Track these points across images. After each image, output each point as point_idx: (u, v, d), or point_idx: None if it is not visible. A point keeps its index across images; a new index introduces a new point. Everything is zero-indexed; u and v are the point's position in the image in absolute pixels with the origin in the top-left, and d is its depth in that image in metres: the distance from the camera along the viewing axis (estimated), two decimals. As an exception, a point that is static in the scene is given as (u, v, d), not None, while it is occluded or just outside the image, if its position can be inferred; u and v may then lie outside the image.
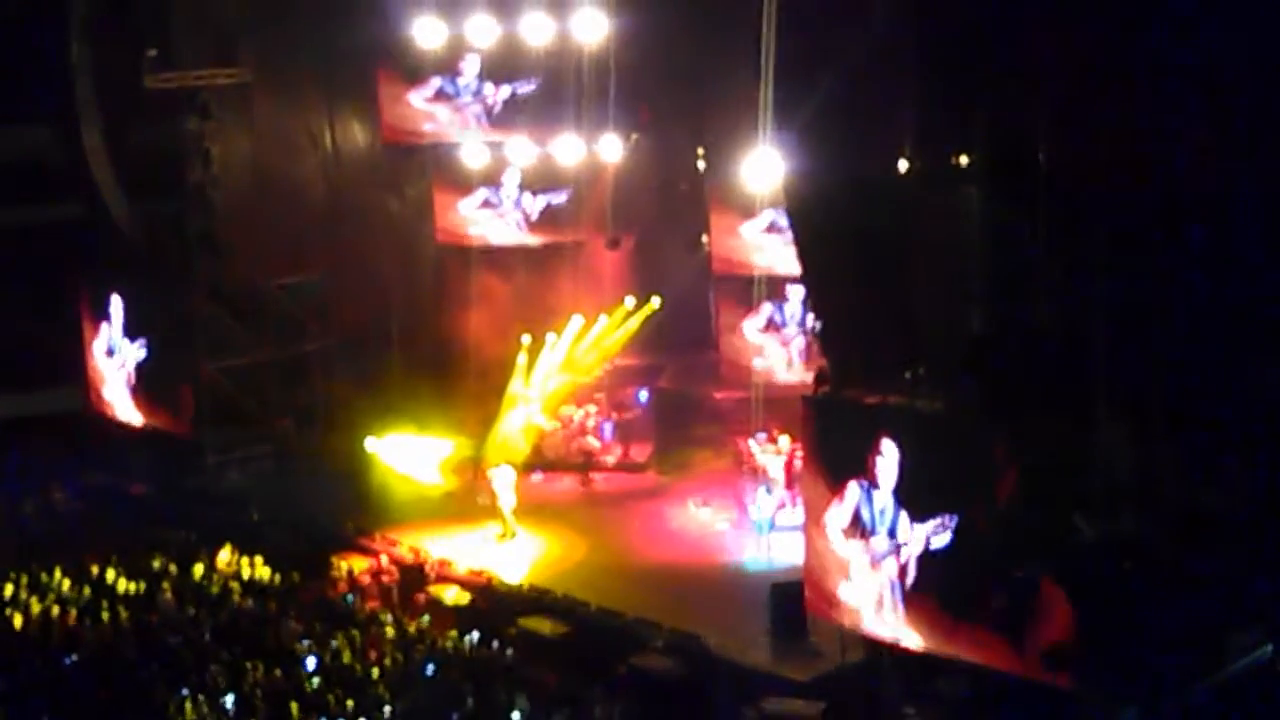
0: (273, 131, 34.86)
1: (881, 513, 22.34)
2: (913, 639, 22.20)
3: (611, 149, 32.65)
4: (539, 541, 29.61)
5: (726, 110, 29.70)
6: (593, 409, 33.53)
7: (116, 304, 35.00)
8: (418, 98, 33.53)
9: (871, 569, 22.52)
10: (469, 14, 32.59)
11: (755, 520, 28.72)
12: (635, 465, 33.15)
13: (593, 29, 31.77)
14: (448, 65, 33.27)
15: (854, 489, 22.60)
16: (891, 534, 22.25)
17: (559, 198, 33.53)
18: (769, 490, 28.84)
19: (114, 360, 35.27)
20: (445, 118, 33.66)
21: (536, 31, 32.33)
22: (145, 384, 34.77)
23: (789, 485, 29.03)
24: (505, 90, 33.09)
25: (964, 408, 22.03)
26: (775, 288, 31.76)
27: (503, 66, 32.96)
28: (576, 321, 32.78)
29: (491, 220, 34.00)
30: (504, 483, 30.00)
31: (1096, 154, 21.14)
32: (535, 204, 33.72)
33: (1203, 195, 20.93)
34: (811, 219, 25.07)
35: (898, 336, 23.52)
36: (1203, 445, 21.09)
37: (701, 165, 33.40)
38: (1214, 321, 20.97)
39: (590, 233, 33.78)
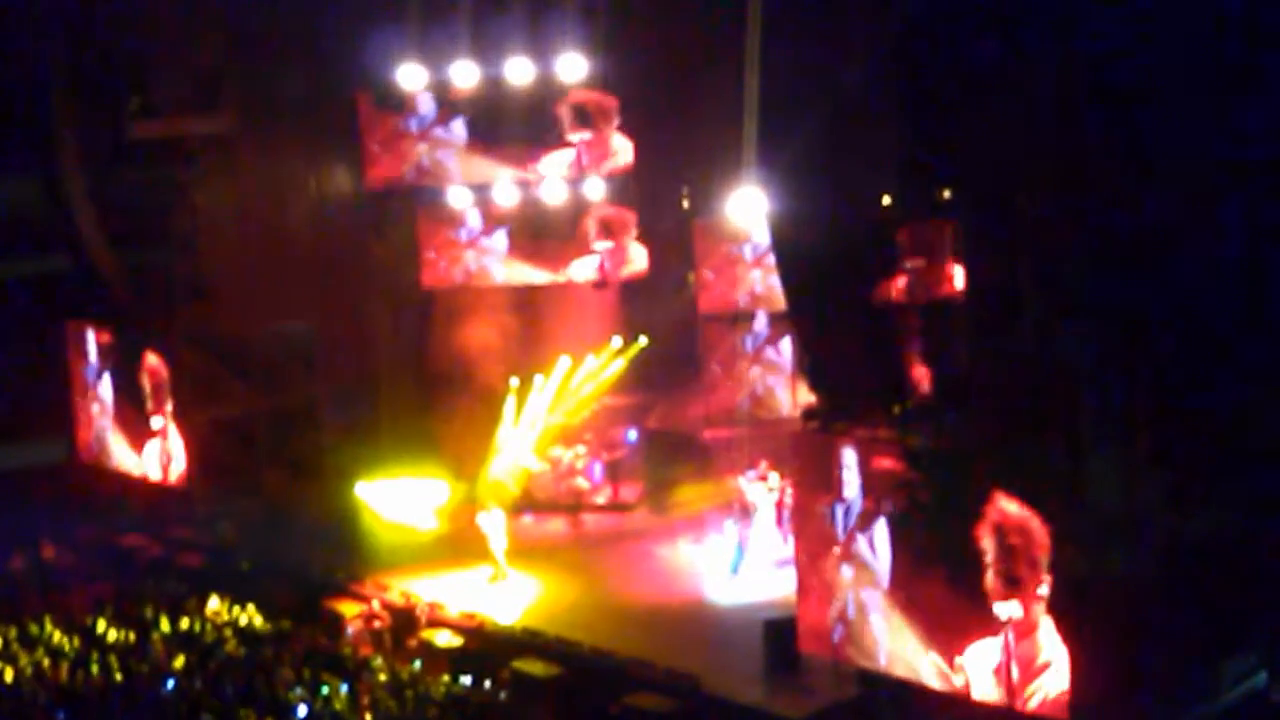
0: (257, 179, 34.88)
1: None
2: (907, 669, 22.22)
3: (596, 189, 32.76)
4: (531, 583, 29.57)
5: (710, 149, 29.80)
6: (582, 449, 33.53)
7: (103, 353, 34.93)
8: (401, 141, 33.57)
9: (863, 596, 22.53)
10: (451, 58, 32.70)
11: (726, 556, 28.71)
12: (625, 505, 33.15)
13: (574, 71, 31.93)
14: (431, 108, 33.35)
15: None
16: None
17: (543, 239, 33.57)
18: (736, 524, 28.84)
19: (102, 410, 35.20)
20: (428, 161, 33.71)
21: (519, 74, 32.45)
22: (133, 434, 34.70)
23: (779, 522, 29.05)
24: (488, 131, 33.16)
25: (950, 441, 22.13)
26: (763, 324, 31.86)
27: (486, 109, 33.07)
28: (564, 362, 32.80)
29: (477, 262, 34.00)
30: (494, 525, 29.98)
31: (1078, 187, 21.26)
32: (519, 245, 33.72)
33: (1187, 227, 21.02)
34: (796, 255, 25.18)
35: (884, 371, 23.60)
36: (1191, 474, 21.12)
37: (685, 204, 33.49)
38: (1200, 351, 21.04)
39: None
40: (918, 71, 22.39)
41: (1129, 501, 20.99)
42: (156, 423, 34.32)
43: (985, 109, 21.65)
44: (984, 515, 21.01)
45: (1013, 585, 20.93)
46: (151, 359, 34.36)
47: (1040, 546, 20.66)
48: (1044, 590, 20.66)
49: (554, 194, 32.81)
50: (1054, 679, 20.77)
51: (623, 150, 32.48)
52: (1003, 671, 21.20)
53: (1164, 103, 20.35)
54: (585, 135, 32.51)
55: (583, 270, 33.11)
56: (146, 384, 34.51)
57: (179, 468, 33.87)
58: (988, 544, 21.08)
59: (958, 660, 21.66)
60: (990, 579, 21.08)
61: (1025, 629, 20.98)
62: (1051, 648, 20.78)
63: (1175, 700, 21.09)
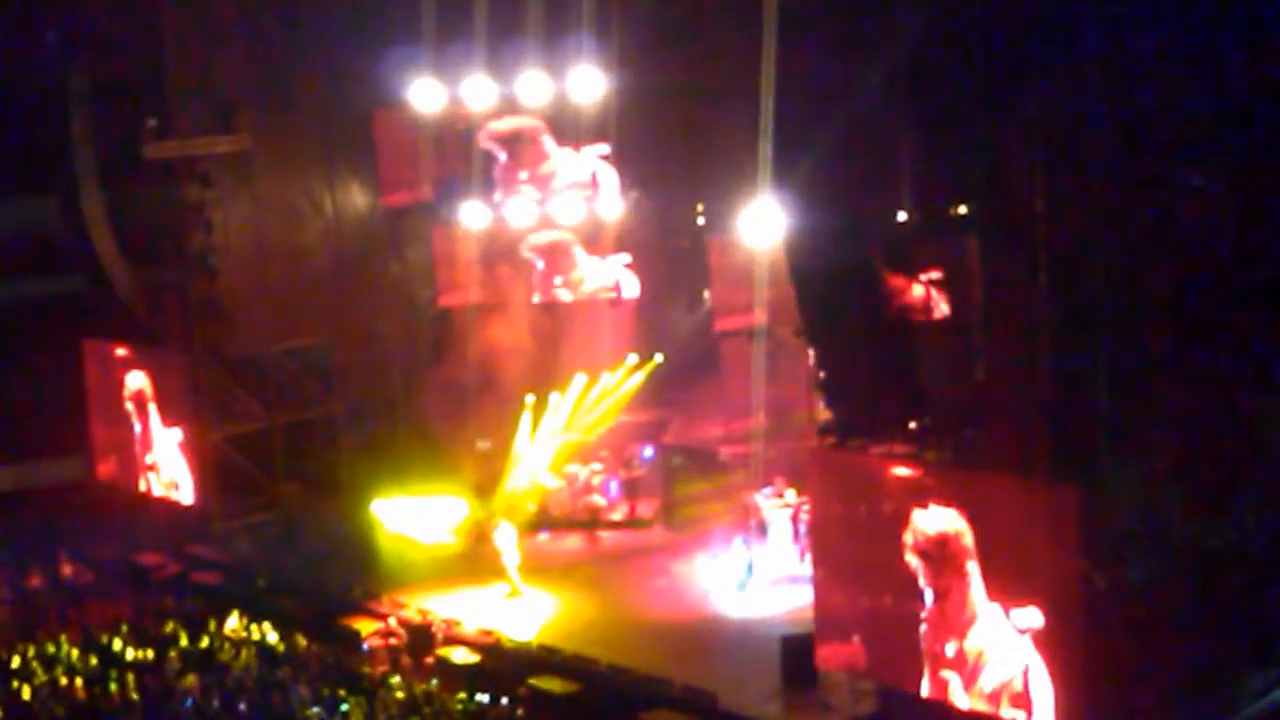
0: (273, 198, 35.01)
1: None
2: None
3: (611, 206, 32.83)
4: (547, 600, 29.56)
5: (726, 165, 29.82)
6: (598, 466, 33.55)
7: (123, 374, 35.06)
8: (417, 159, 33.70)
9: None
10: (466, 75, 32.80)
11: (735, 574, 28.71)
12: (642, 522, 33.12)
13: (589, 87, 32.02)
14: (446, 125, 33.49)
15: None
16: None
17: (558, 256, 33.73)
18: (746, 541, 28.83)
19: (121, 430, 35.32)
20: (445, 179, 33.86)
21: (533, 91, 32.53)
22: (151, 453, 34.80)
23: (796, 538, 29.02)
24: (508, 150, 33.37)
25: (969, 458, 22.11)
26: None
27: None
28: (580, 379, 32.82)
29: (493, 280, 34.09)
30: (509, 541, 29.98)
31: (1094, 201, 21.25)
32: (536, 263, 33.87)
33: (1203, 238, 20.99)
34: (812, 271, 25.16)
35: (901, 388, 23.57)
36: (1211, 486, 21.05)
37: (701, 220, 33.52)
38: (1220, 363, 20.98)
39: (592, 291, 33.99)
40: (934, 86, 22.37)
41: (1147, 514, 20.93)
42: (146, 438, 34.50)
43: (1002, 123, 21.64)
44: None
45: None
46: (140, 375, 34.50)
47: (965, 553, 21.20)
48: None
49: (570, 214, 32.99)
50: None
51: (600, 173, 32.97)
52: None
53: (1186, 114, 20.34)
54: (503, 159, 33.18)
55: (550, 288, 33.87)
56: (131, 403, 34.70)
57: (185, 486, 33.95)
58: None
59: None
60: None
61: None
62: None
63: (1194, 715, 20.99)
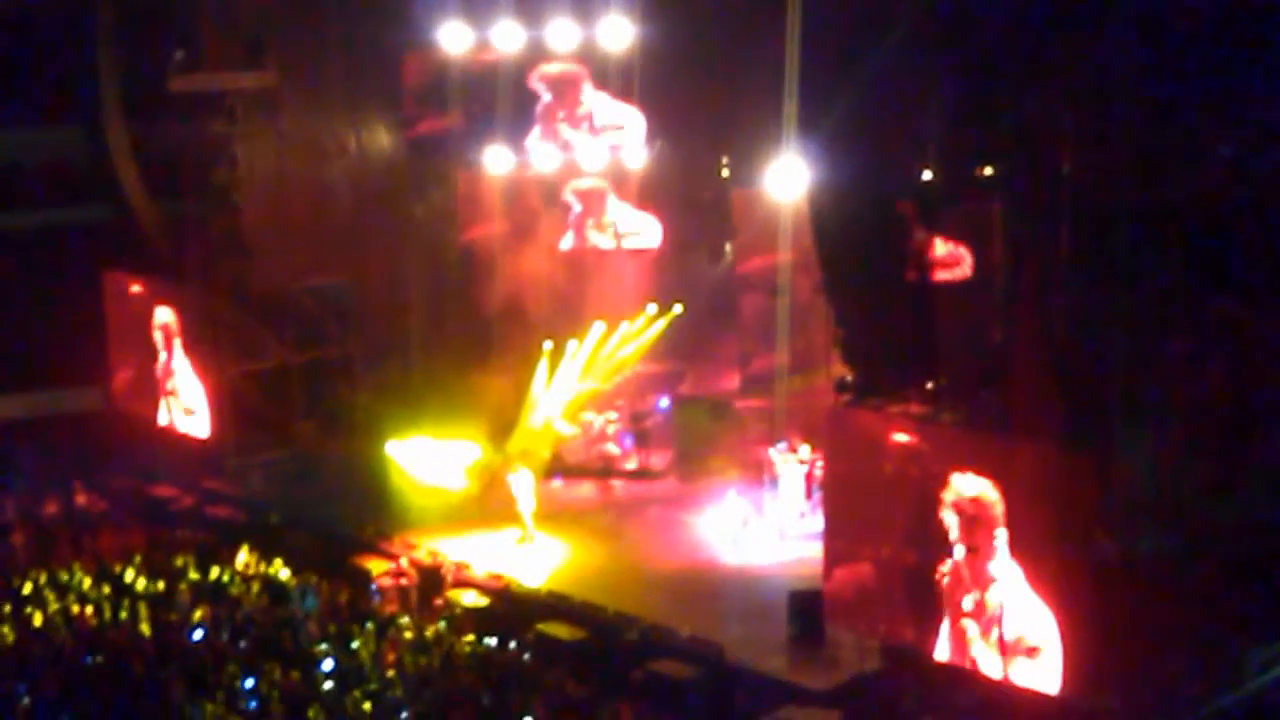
0: (298, 135, 34.94)
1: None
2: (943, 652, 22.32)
3: (635, 156, 32.75)
4: (558, 547, 29.64)
5: (752, 118, 29.68)
6: (613, 415, 33.56)
7: (149, 306, 35.14)
8: (445, 97, 33.70)
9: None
10: (495, 19, 32.71)
11: (731, 526, 28.78)
12: (655, 472, 33.15)
13: (618, 36, 31.92)
14: (473, 66, 33.44)
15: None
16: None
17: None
18: (739, 494, 28.88)
19: (140, 361, 35.42)
20: (474, 115, 33.88)
21: (562, 37, 32.45)
22: (168, 385, 34.90)
23: (808, 494, 29.04)
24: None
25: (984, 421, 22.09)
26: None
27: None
28: (598, 328, 32.79)
29: (516, 224, 34.09)
30: (522, 487, 30.05)
31: (1122, 165, 21.12)
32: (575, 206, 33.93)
33: (1230, 207, 20.88)
34: (834, 228, 25.09)
35: (919, 348, 23.53)
36: (1224, 459, 21.02)
37: (726, 173, 33.42)
38: (1237, 337, 20.92)
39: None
40: (964, 39, 22.22)
41: (1160, 486, 20.91)
42: (172, 373, 34.58)
43: (1033, 82, 21.50)
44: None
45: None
46: (159, 308, 34.56)
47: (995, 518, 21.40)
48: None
49: (595, 160, 32.96)
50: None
51: (629, 122, 33.01)
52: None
53: (1220, 69, 20.17)
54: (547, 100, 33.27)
55: (583, 233, 33.92)
56: (159, 336, 34.77)
57: (201, 419, 34.06)
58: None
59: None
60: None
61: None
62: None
63: (1199, 686, 21.03)
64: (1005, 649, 21.47)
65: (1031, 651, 21.25)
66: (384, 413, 33.07)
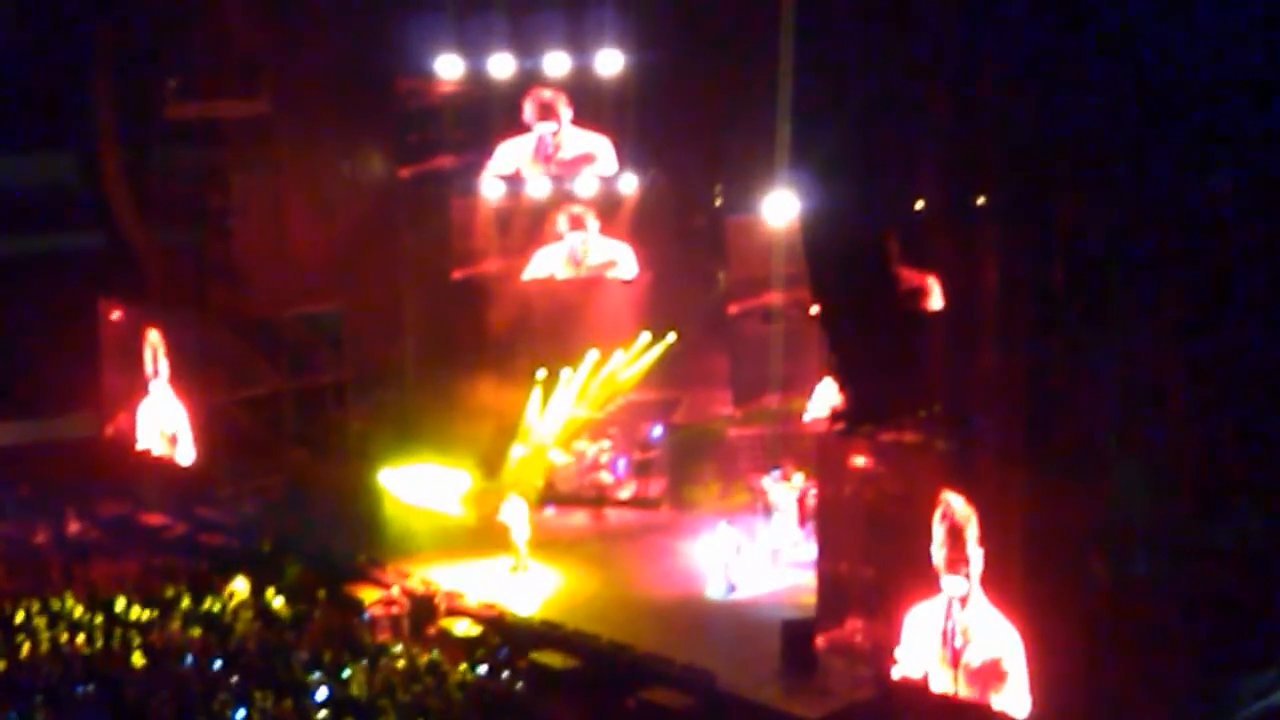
0: (292, 163, 35.00)
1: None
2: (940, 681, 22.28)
3: (629, 184, 32.84)
4: (551, 575, 29.56)
5: (744, 147, 29.79)
6: (607, 444, 33.52)
7: (141, 331, 35.11)
8: (440, 128, 33.80)
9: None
10: (489, 50, 32.83)
11: (722, 555, 28.71)
12: (649, 501, 33.11)
13: (611, 66, 32.04)
14: (468, 99, 33.54)
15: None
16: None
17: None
18: (729, 525, 28.83)
19: (132, 388, 35.38)
20: (466, 152, 33.96)
21: (556, 68, 32.56)
22: (160, 413, 34.86)
23: (802, 522, 29.01)
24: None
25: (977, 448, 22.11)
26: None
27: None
28: (592, 356, 32.79)
29: (510, 252, 34.15)
30: (516, 515, 30.01)
31: (1115, 196, 21.18)
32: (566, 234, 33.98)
33: (1221, 235, 20.92)
34: (827, 256, 25.13)
35: (912, 375, 23.54)
36: (1218, 484, 21.02)
37: (719, 201, 33.50)
38: (1229, 362, 20.93)
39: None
40: (958, 69, 22.29)
41: (1154, 510, 20.91)
42: (156, 398, 34.54)
43: (1026, 111, 21.56)
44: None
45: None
46: (152, 334, 34.54)
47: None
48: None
49: (584, 187, 33.09)
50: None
51: (601, 153, 33.21)
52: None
53: (1214, 101, 20.23)
54: (551, 126, 33.42)
55: (547, 261, 33.90)
56: (148, 360, 34.74)
57: (185, 446, 34.01)
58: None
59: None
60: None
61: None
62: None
63: (1191, 713, 20.98)
64: (993, 676, 21.43)
65: (999, 678, 21.35)
66: (377, 440, 33.05)
